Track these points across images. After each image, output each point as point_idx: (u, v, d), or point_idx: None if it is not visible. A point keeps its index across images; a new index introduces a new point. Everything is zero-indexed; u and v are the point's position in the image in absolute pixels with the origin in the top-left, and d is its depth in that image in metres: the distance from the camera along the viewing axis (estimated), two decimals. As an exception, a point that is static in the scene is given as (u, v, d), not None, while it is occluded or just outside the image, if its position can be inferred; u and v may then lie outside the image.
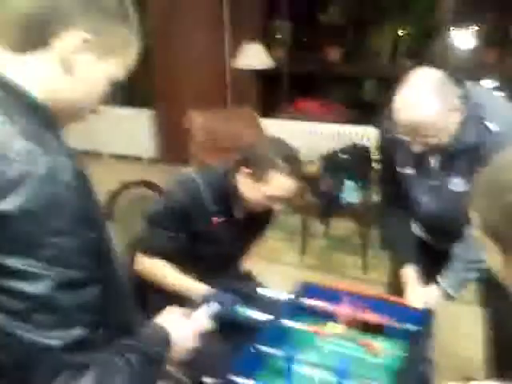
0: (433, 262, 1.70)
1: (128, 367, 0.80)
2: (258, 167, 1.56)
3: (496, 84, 3.94)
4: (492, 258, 0.83)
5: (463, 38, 4.22)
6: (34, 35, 0.77)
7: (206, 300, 1.30)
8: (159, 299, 1.68)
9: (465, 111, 1.44)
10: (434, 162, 1.56)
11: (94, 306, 0.75)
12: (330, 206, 3.12)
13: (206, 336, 1.57)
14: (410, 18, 4.33)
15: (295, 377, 1.30)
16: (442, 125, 1.41)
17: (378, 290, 1.91)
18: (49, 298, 0.70)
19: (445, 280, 1.55)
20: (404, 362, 1.27)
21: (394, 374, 1.28)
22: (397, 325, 1.42)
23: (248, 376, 1.25)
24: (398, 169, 1.64)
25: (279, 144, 1.63)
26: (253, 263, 1.92)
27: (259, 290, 1.62)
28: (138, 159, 5.44)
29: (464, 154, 1.48)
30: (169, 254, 1.63)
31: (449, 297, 1.56)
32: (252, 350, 1.32)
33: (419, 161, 1.58)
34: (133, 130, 5.47)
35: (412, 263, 1.66)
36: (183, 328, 1.01)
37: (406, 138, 1.47)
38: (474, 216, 0.83)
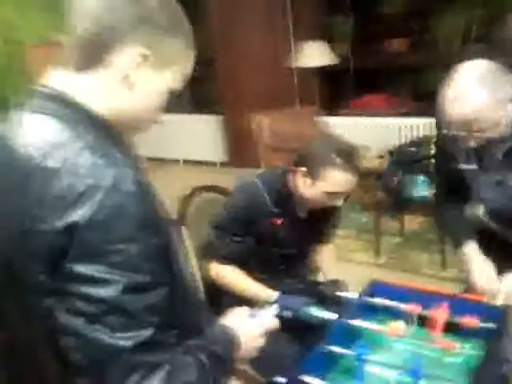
0: (503, 253, 1.62)
1: (198, 365, 0.83)
2: (313, 165, 1.57)
3: None
4: None
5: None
6: (94, 54, 0.82)
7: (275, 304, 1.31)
8: (233, 301, 1.74)
9: None
10: (498, 155, 1.48)
11: (162, 308, 0.79)
12: (399, 202, 3.03)
13: (275, 336, 1.61)
14: (476, 3, 4.10)
15: (367, 377, 1.28)
16: (494, 117, 1.33)
17: (456, 288, 1.83)
18: (118, 301, 0.74)
19: None
20: (482, 361, 1.20)
21: (471, 374, 1.22)
22: (474, 323, 1.35)
23: (318, 376, 1.24)
24: (459, 165, 1.57)
25: (332, 139, 1.66)
26: (326, 264, 1.89)
27: (339, 293, 1.60)
28: (209, 164, 5.58)
29: None
30: (238, 258, 1.66)
31: None
32: (322, 350, 1.31)
33: (483, 154, 1.50)
34: (203, 136, 5.63)
35: (470, 240, 1.58)
36: (249, 328, 1.02)
37: (459, 134, 1.40)
38: None
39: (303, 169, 1.60)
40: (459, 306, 1.41)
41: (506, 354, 1.32)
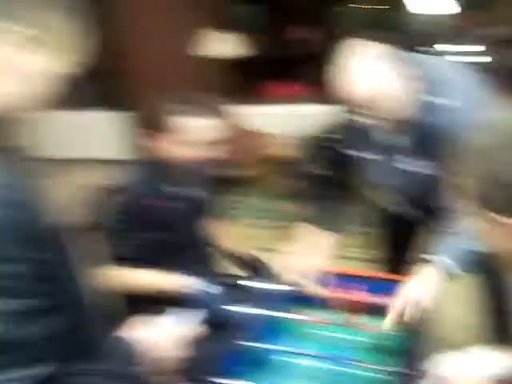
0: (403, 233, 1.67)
1: None
2: (163, 122, 1.50)
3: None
4: (494, 232, 0.79)
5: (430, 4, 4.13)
6: None
7: (196, 297, 1.21)
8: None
9: (420, 85, 1.37)
10: (393, 141, 1.48)
11: (57, 335, 0.67)
12: (318, 189, 3.03)
13: (194, 338, 1.52)
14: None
15: (291, 370, 1.24)
16: (394, 97, 1.33)
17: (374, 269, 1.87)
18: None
19: (442, 255, 1.35)
20: (409, 341, 1.20)
21: (399, 354, 1.22)
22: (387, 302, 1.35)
23: (242, 375, 1.18)
24: (353, 152, 1.57)
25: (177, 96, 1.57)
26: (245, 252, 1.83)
27: (246, 283, 1.54)
28: (116, 161, 5.31)
29: (417, 132, 1.41)
30: (132, 256, 1.54)
31: (450, 275, 1.35)
32: (244, 348, 1.24)
33: (378, 142, 1.51)
34: (112, 133, 5.35)
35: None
36: (153, 337, 0.95)
37: (357, 115, 1.40)
38: (471, 201, 0.78)
39: (158, 133, 1.52)
40: (379, 286, 1.41)
41: (420, 328, 1.33)
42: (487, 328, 1.79)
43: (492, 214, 0.77)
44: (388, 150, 1.51)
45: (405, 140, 1.46)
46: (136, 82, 4.72)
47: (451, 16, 4.07)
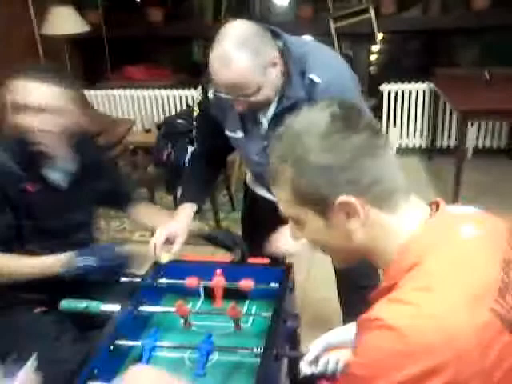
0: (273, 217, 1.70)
1: None
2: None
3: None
4: (313, 229, 0.81)
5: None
6: None
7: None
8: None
9: (286, 64, 1.39)
10: (264, 121, 1.51)
11: None
12: (174, 175, 2.98)
13: (53, 339, 1.38)
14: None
15: (159, 364, 1.18)
16: (260, 80, 1.35)
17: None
18: None
19: None
20: (271, 321, 1.22)
21: (263, 335, 1.24)
22: (249, 285, 1.37)
23: (107, 378, 1.09)
24: (229, 133, 1.57)
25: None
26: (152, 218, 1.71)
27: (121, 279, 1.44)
28: None
29: (294, 110, 1.45)
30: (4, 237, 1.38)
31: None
32: (108, 347, 1.16)
33: (249, 122, 1.52)
34: None
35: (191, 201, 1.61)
36: None
37: (227, 99, 1.39)
38: (283, 190, 0.79)
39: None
40: (244, 271, 1.42)
41: (290, 310, 1.38)
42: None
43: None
44: (265, 130, 1.51)
45: (280, 120, 1.47)
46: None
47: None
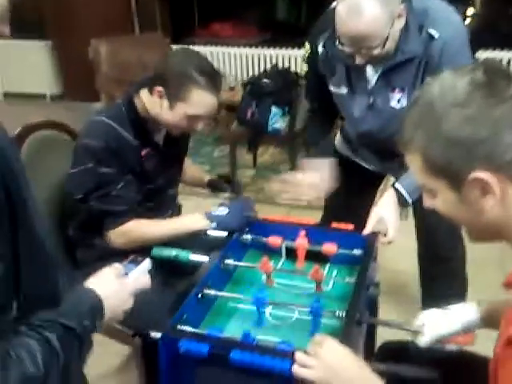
0: (362, 185, 1.67)
1: (46, 348, 0.70)
2: (172, 84, 1.39)
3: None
4: (444, 201, 0.76)
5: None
6: None
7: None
8: (91, 256, 1.53)
9: (407, 17, 1.34)
10: (373, 76, 1.47)
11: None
12: (257, 134, 3.00)
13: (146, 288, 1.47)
14: None
15: (245, 316, 1.24)
16: (387, 32, 1.31)
17: (309, 215, 1.88)
18: None
19: (401, 184, 1.46)
20: (355, 287, 1.23)
21: (344, 301, 1.25)
22: (342, 251, 1.38)
23: (195, 323, 1.16)
24: (333, 89, 1.55)
25: (195, 57, 1.45)
26: (183, 199, 1.79)
27: (209, 232, 1.49)
28: (36, 98, 4.93)
29: (406, 66, 1.40)
30: (134, 209, 1.46)
31: (404, 203, 1.47)
32: (196, 295, 1.22)
33: (356, 77, 1.49)
34: (29, 65, 4.91)
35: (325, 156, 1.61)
36: (118, 290, 0.90)
37: (349, 51, 1.36)
38: (414, 157, 0.75)
39: (160, 89, 1.40)
40: (328, 235, 1.42)
41: (372, 277, 1.38)
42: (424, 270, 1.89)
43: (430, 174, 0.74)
44: (372, 87, 1.48)
45: (390, 76, 1.44)
46: (58, 11, 4.33)
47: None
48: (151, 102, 1.44)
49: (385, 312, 2.04)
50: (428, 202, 0.81)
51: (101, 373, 1.90)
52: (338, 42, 1.38)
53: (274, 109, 2.90)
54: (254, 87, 2.98)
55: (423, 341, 1.04)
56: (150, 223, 1.49)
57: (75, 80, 4.56)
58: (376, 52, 1.34)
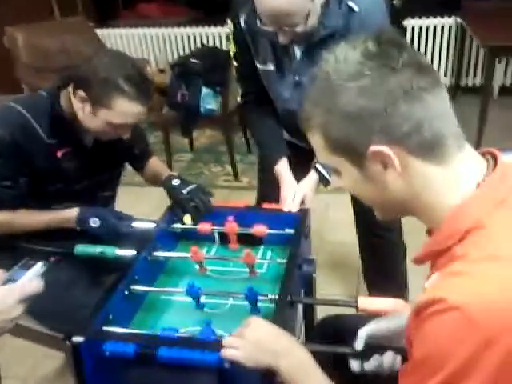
0: (299, 161, 1.64)
1: None
2: (94, 90, 1.29)
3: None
4: (349, 179, 0.74)
5: None
6: None
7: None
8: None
9: None
10: (298, 54, 1.44)
11: None
12: (190, 117, 2.92)
13: (68, 283, 1.40)
14: None
15: (178, 309, 1.20)
16: (308, 8, 1.26)
17: (252, 196, 1.86)
18: None
19: (321, 164, 1.48)
20: (286, 267, 1.21)
21: (278, 282, 1.23)
22: (274, 232, 1.36)
23: (124, 322, 1.11)
24: (259, 66, 1.50)
25: (121, 61, 1.34)
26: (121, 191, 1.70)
27: (134, 224, 1.43)
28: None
29: (328, 41, 1.37)
30: (11, 205, 1.35)
31: (325, 181, 1.51)
32: (124, 291, 1.16)
33: (281, 55, 1.45)
34: None
35: (283, 157, 1.56)
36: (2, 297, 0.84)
37: (270, 30, 1.31)
38: (315, 136, 0.72)
39: (82, 93, 1.31)
40: (260, 217, 1.40)
41: (305, 255, 1.37)
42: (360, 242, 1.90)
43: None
44: (297, 64, 1.44)
45: (313, 52, 1.39)
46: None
47: None
48: (75, 103, 1.35)
49: (328, 286, 2.08)
50: (336, 182, 0.79)
51: (43, 376, 1.84)
52: (258, 21, 1.33)
53: (204, 89, 2.82)
54: (182, 68, 2.88)
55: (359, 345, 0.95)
56: (24, 214, 1.39)
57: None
58: (299, 29, 1.29)
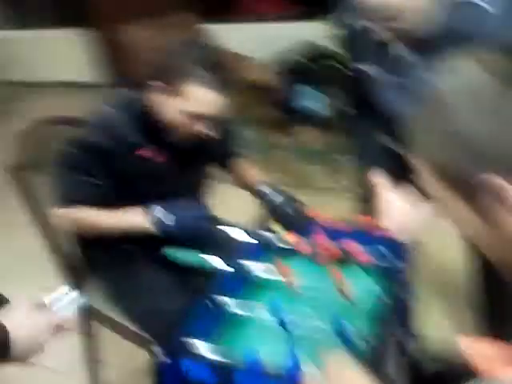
0: (397, 171, 1.49)
1: None
2: (169, 77, 1.27)
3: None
4: (457, 212, 0.61)
5: None
6: None
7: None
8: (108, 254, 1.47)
9: None
10: (403, 54, 1.29)
11: None
12: (291, 116, 2.86)
13: (156, 283, 1.39)
14: None
15: (255, 325, 1.12)
16: (420, 1, 1.12)
17: (350, 199, 1.74)
18: None
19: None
20: (384, 296, 1.10)
21: (371, 317, 1.11)
22: (376, 259, 1.23)
23: (203, 335, 1.06)
24: (360, 65, 1.38)
25: (198, 47, 1.32)
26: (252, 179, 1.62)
27: (220, 228, 1.38)
28: (81, 86, 4.97)
29: (444, 44, 1.20)
30: (91, 202, 1.36)
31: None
32: (207, 302, 1.13)
33: (385, 54, 1.31)
34: (72, 54, 4.96)
35: (381, 168, 1.41)
36: (31, 324, 0.83)
37: (372, 25, 1.19)
38: (422, 156, 0.61)
39: (160, 83, 1.29)
40: (363, 237, 1.29)
41: (409, 284, 1.24)
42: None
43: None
44: (404, 67, 1.30)
45: (417, 50, 1.25)
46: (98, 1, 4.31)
47: None
48: (157, 97, 1.33)
49: (428, 314, 1.83)
50: (442, 215, 0.65)
51: (137, 367, 1.77)
52: (360, 15, 1.21)
53: (309, 89, 2.73)
54: (287, 66, 2.81)
55: None
56: (100, 212, 1.36)
57: (117, 68, 4.54)
58: (406, 25, 1.15)
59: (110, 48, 4.56)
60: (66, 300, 0.90)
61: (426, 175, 0.62)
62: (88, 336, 1.65)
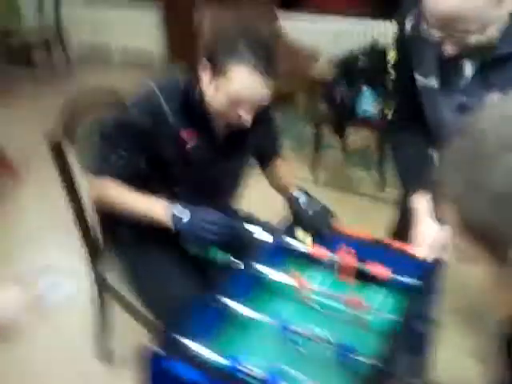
0: None
1: None
2: (218, 57, 1.22)
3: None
4: (483, 272, 0.54)
5: None
6: None
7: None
8: (126, 231, 1.47)
9: None
10: (468, 70, 1.19)
11: None
12: (345, 116, 2.75)
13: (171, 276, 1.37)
14: None
15: (258, 330, 1.07)
16: (490, 14, 1.02)
17: (392, 211, 1.65)
18: None
19: None
20: (398, 320, 1.02)
21: (384, 335, 1.04)
22: (396, 277, 1.16)
23: (205, 334, 1.02)
24: (420, 78, 1.28)
25: (248, 27, 1.26)
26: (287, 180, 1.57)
27: (243, 226, 1.34)
28: (142, 63, 5.02)
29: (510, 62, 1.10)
30: (123, 178, 1.34)
31: None
32: (214, 302, 1.09)
33: (448, 69, 1.21)
34: (141, 30, 5.04)
35: (423, 191, 1.31)
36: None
37: (436, 36, 1.09)
38: (448, 207, 0.53)
39: (206, 62, 1.25)
40: (385, 256, 1.20)
41: (427, 312, 1.15)
42: None
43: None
44: (454, 76, 1.22)
45: (488, 72, 1.16)
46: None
47: None
48: (203, 78, 1.29)
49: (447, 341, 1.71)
50: (462, 264, 0.58)
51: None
52: (425, 24, 1.12)
53: (365, 90, 2.62)
54: (346, 65, 2.70)
55: None
56: (128, 192, 1.33)
57: (184, 47, 4.56)
58: (473, 40, 1.06)
59: (179, 26, 4.59)
60: (52, 284, 0.88)
61: (451, 221, 0.54)
62: (100, 308, 1.67)
